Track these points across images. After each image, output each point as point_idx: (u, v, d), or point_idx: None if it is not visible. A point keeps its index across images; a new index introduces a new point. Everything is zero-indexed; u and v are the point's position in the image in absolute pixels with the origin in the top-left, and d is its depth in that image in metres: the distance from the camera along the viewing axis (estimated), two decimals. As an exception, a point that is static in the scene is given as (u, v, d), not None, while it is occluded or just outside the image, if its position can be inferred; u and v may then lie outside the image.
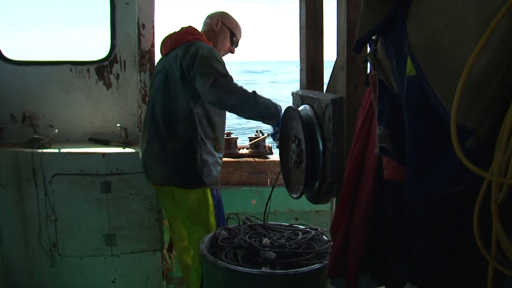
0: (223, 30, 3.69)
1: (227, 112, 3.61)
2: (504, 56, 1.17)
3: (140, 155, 3.61)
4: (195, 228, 3.51)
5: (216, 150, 3.50)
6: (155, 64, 3.80)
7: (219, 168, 3.55)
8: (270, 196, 3.30)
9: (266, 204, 3.29)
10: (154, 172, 3.51)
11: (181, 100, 3.35)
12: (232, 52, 3.79)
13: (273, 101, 3.40)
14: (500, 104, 1.20)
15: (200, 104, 3.36)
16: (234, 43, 3.76)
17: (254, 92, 3.27)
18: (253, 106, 3.23)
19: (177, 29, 3.60)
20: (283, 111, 3.04)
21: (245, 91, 3.24)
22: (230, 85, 3.18)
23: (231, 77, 3.24)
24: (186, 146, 3.35)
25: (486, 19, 1.16)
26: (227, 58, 3.72)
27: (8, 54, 4.08)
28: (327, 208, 3.98)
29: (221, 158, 3.59)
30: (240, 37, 3.81)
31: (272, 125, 3.49)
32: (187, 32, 3.52)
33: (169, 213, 3.81)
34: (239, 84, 3.25)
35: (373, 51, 1.65)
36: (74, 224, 3.76)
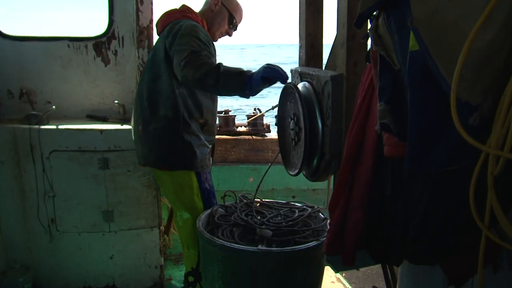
0: (221, 11, 3.57)
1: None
2: (510, 32, 1.16)
3: None
4: (180, 212, 3.51)
5: (204, 133, 3.43)
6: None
7: (206, 150, 3.44)
8: (265, 174, 3.32)
9: (259, 183, 3.32)
10: (138, 151, 3.51)
11: (164, 80, 3.29)
12: (230, 35, 3.68)
13: (239, 68, 3.08)
14: (504, 81, 1.19)
15: (186, 84, 3.23)
16: (233, 26, 3.64)
17: (218, 64, 3.03)
18: (217, 77, 2.97)
19: (175, 6, 3.59)
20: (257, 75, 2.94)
21: (209, 64, 3.03)
22: (195, 60, 3.02)
23: (204, 54, 3.09)
24: (166, 126, 3.29)
25: None
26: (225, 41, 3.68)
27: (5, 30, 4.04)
28: (324, 186, 4.00)
29: (211, 141, 3.52)
30: (240, 21, 3.68)
31: (249, 95, 3.07)
32: (177, 11, 3.48)
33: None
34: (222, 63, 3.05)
35: (375, 26, 1.64)
36: (72, 201, 3.76)
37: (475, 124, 1.22)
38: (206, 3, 3.63)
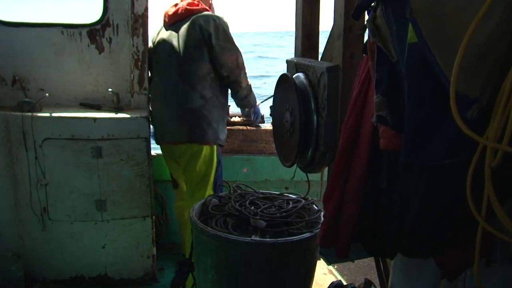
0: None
1: None
2: (509, 24, 1.15)
3: (147, 113, 3.84)
4: (198, 186, 3.85)
5: (225, 114, 4.08)
6: (158, 33, 4.06)
7: (226, 128, 4.02)
8: None
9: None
10: (171, 131, 3.82)
11: (201, 63, 3.76)
12: None
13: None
14: (503, 73, 1.18)
15: (216, 70, 3.82)
16: None
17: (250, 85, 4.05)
18: (249, 94, 4.06)
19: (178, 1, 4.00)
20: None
21: (248, 81, 4.00)
22: (245, 69, 3.90)
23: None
24: (204, 105, 3.76)
25: None
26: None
27: (-2, 16, 4.00)
28: (317, 178, 4.00)
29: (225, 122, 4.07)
30: None
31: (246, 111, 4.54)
32: (194, 3, 3.90)
33: (175, 173, 4.16)
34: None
35: (373, 17, 1.62)
36: (64, 189, 3.75)
37: (473, 117, 1.21)
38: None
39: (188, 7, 3.87)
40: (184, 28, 3.81)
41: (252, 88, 4.15)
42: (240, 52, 3.86)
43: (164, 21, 4.02)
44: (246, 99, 4.08)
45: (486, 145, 1.18)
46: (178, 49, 3.81)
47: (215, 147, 3.88)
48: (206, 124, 3.77)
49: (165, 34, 3.95)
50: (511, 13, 1.13)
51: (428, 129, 1.36)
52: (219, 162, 3.96)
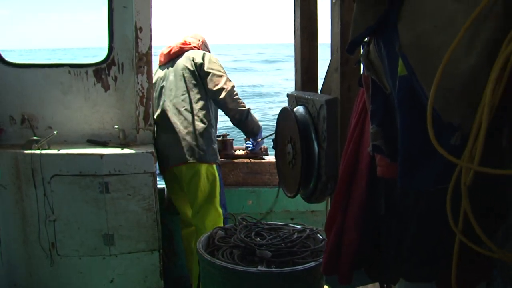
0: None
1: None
2: (490, 57, 1.22)
3: (152, 149, 3.94)
4: (202, 202, 4.04)
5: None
6: (155, 72, 4.46)
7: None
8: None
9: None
10: (173, 154, 4.06)
11: (197, 93, 4.14)
12: None
13: (258, 123, 4.42)
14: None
15: (209, 97, 4.19)
16: None
17: (247, 108, 4.24)
18: (245, 118, 4.23)
19: (172, 43, 4.47)
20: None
21: (242, 104, 4.21)
22: (235, 94, 4.16)
23: (233, 84, 4.19)
24: (205, 128, 4.08)
25: (474, 19, 1.21)
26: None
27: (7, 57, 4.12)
28: (322, 208, 4.03)
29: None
30: None
31: (250, 139, 4.62)
32: (186, 43, 4.40)
33: (178, 200, 4.35)
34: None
35: (366, 52, 1.70)
36: (73, 224, 3.79)
37: (457, 143, 1.28)
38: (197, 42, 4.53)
39: (181, 46, 4.37)
40: (178, 63, 4.27)
41: (252, 115, 4.31)
42: (228, 78, 4.19)
43: (160, 61, 4.50)
44: (242, 124, 4.28)
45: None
46: (175, 82, 4.21)
47: (214, 166, 4.13)
48: (207, 144, 4.07)
49: (161, 73, 4.41)
50: (490, 49, 1.21)
51: (419, 156, 1.42)
52: (221, 180, 4.20)
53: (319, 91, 3.00)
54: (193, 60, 4.21)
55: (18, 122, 4.09)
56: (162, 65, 4.47)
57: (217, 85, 4.10)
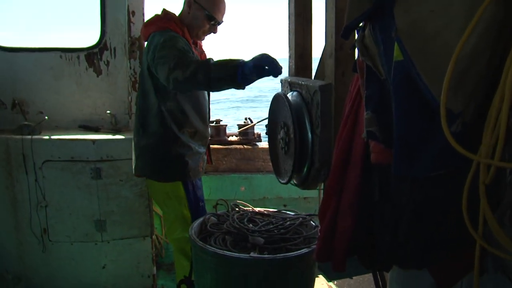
0: (197, 12, 3.37)
1: (210, 101, 3.60)
2: (489, 42, 1.21)
3: None
4: (169, 218, 3.59)
5: (196, 140, 3.45)
6: None
7: (198, 157, 3.47)
8: None
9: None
10: (134, 162, 3.53)
11: (150, 96, 3.32)
12: (215, 32, 3.51)
13: (231, 60, 2.96)
14: (484, 89, 1.24)
15: (172, 98, 3.29)
16: (215, 22, 3.44)
17: (208, 58, 3.05)
18: (207, 70, 2.92)
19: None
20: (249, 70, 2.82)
21: (197, 61, 3.06)
22: (182, 60, 3.00)
23: (190, 56, 3.10)
24: (157, 142, 3.34)
25: (471, 4, 1.20)
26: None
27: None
28: (315, 195, 4.03)
29: (202, 146, 3.53)
30: (221, 16, 3.46)
31: (242, 85, 2.94)
32: (156, 19, 3.38)
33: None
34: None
35: (361, 37, 1.68)
36: (64, 210, 3.78)
37: (458, 130, 1.27)
38: (183, 4, 3.46)
39: (146, 27, 3.44)
40: (143, 57, 3.39)
41: (204, 61, 3.05)
42: (175, 55, 3.04)
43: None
44: (211, 80, 2.93)
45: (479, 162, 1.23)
46: (140, 79, 3.48)
47: (178, 184, 3.42)
48: (161, 161, 3.38)
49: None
50: (489, 32, 1.19)
51: (416, 142, 1.41)
52: (190, 199, 3.47)
53: (313, 77, 2.98)
54: (146, 52, 3.30)
55: (8, 107, 4.07)
56: None
57: (165, 72, 3.03)
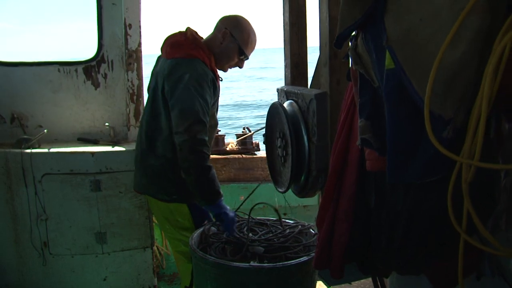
0: (230, 45, 3.26)
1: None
2: (477, 49, 1.23)
3: None
4: (172, 233, 3.44)
5: None
6: (156, 60, 3.44)
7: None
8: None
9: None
10: (136, 178, 3.44)
11: (161, 117, 3.15)
12: (241, 67, 3.41)
13: (220, 190, 3.11)
14: (474, 95, 1.26)
15: None
16: (244, 57, 3.35)
17: (210, 166, 3.05)
18: (198, 175, 3.01)
19: (183, 28, 3.32)
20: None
21: (204, 158, 3.00)
22: (197, 140, 2.96)
23: (204, 124, 3.01)
24: (164, 165, 3.21)
25: (459, 13, 1.22)
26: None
27: (-4, 56, 4.10)
28: (314, 202, 4.04)
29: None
30: (250, 52, 3.37)
31: (207, 208, 3.19)
32: (182, 45, 3.17)
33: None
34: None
35: (354, 46, 1.70)
36: (64, 223, 3.78)
37: (449, 136, 1.29)
38: (216, 32, 3.32)
39: (171, 48, 3.20)
40: (161, 71, 3.19)
41: (212, 173, 3.06)
42: (198, 119, 2.96)
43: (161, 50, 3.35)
44: (195, 185, 3.04)
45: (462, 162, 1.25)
46: (150, 97, 3.28)
47: (185, 206, 3.30)
48: (167, 184, 3.24)
49: (157, 66, 3.34)
50: (477, 40, 1.22)
51: (408, 149, 1.43)
52: (196, 216, 3.35)
53: (309, 85, 3.00)
54: (164, 78, 3.11)
55: (7, 121, 4.09)
56: (162, 59, 3.33)
57: (180, 124, 2.97)
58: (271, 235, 3.20)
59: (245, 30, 3.28)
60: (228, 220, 3.11)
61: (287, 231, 3.23)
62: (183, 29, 3.31)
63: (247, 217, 3.47)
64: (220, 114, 3.42)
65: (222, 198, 3.12)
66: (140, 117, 3.71)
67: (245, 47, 3.28)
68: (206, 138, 3.02)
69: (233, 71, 3.52)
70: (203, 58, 3.14)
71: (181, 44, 3.17)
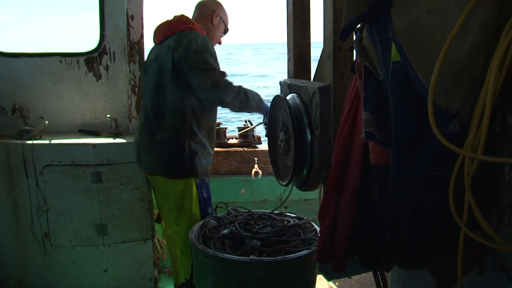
0: (220, 24, 3.73)
1: None
2: (485, 42, 1.22)
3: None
4: (179, 218, 3.55)
5: (210, 140, 3.54)
6: (149, 52, 3.71)
7: (210, 158, 3.55)
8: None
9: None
10: (144, 160, 3.56)
11: (170, 91, 3.35)
12: (220, 43, 3.85)
13: (256, 92, 3.57)
14: (481, 88, 1.25)
15: (193, 95, 3.35)
16: (226, 32, 3.85)
17: (242, 88, 3.41)
18: (245, 101, 3.39)
19: (170, 17, 3.58)
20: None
21: (237, 89, 3.35)
22: (228, 85, 3.29)
23: (224, 73, 3.35)
24: (174, 136, 3.37)
25: (467, 5, 1.21)
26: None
27: (-3, 47, 4.09)
28: (316, 196, 4.03)
29: (212, 149, 3.59)
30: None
31: (258, 113, 3.71)
32: (179, 21, 3.49)
33: (158, 200, 3.81)
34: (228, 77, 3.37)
35: (359, 38, 1.69)
36: (65, 215, 3.77)
37: (455, 130, 1.28)
38: (203, 15, 3.69)
39: (169, 26, 3.49)
40: (161, 51, 3.46)
41: (243, 89, 3.43)
42: (216, 70, 3.29)
43: (154, 39, 3.64)
44: (242, 108, 3.46)
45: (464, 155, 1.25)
46: (153, 75, 3.48)
47: (192, 181, 3.48)
48: (177, 156, 3.39)
49: (153, 54, 3.60)
50: (485, 34, 1.20)
51: (414, 143, 1.42)
52: (201, 198, 3.57)
53: (312, 78, 2.99)
54: (172, 49, 3.34)
55: (9, 112, 4.07)
56: (156, 44, 3.63)
57: (205, 85, 3.27)
58: (269, 228, 3.20)
59: (225, 9, 3.79)
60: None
61: (286, 223, 3.23)
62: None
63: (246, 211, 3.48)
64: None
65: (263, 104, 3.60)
66: (142, 103, 3.70)
67: (227, 24, 3.80)
68: (228, 79, 3.35)
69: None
70: (199, 31, 3.50)
71: (178, 23, 3.49)
